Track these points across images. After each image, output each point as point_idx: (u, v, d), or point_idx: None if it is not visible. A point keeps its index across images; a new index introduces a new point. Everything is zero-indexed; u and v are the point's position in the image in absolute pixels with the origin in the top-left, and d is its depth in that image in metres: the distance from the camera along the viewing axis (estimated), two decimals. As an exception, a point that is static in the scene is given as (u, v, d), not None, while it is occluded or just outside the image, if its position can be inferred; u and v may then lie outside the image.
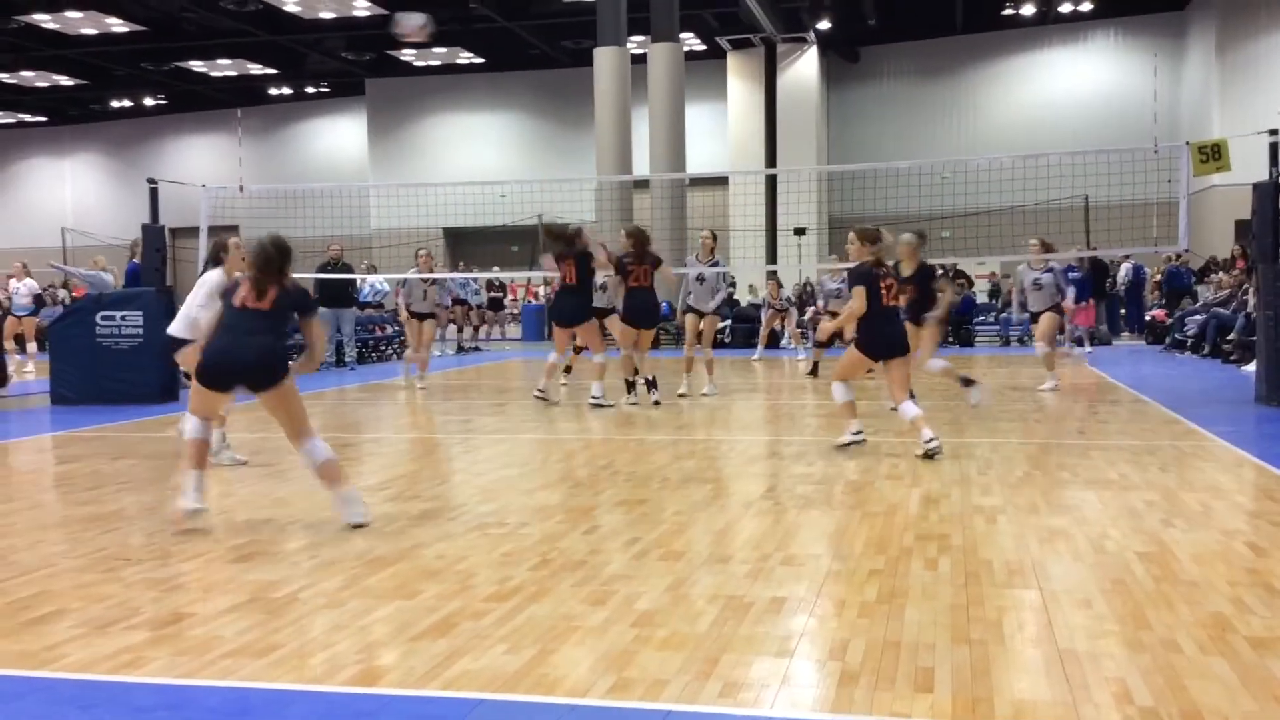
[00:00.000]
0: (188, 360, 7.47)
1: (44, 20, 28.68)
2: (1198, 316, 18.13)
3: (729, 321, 22.53)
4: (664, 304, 20.91)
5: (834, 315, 14.27)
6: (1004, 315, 22.95)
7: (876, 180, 24.16)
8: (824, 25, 30.29)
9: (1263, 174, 11.07)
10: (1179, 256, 21.68)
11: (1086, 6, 29.99)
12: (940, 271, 15.49)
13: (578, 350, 14.26)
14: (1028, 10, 29.95)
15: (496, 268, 29.37)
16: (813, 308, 21.24)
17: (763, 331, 19.76)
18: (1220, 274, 19.80)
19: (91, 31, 29.90)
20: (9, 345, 18.24)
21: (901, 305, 9.27)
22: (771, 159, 31.36)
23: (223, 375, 6.02)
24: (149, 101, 39.55)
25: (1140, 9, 30.20)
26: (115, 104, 39.87)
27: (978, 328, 23.12)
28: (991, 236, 20.49)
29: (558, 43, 32.24)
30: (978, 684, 3.46)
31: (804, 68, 31.66)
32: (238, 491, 7.07)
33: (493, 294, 26.96)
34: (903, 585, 4.57)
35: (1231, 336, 15.92)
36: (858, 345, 8.31)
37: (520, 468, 8.07)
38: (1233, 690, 3.38)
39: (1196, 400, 11.40)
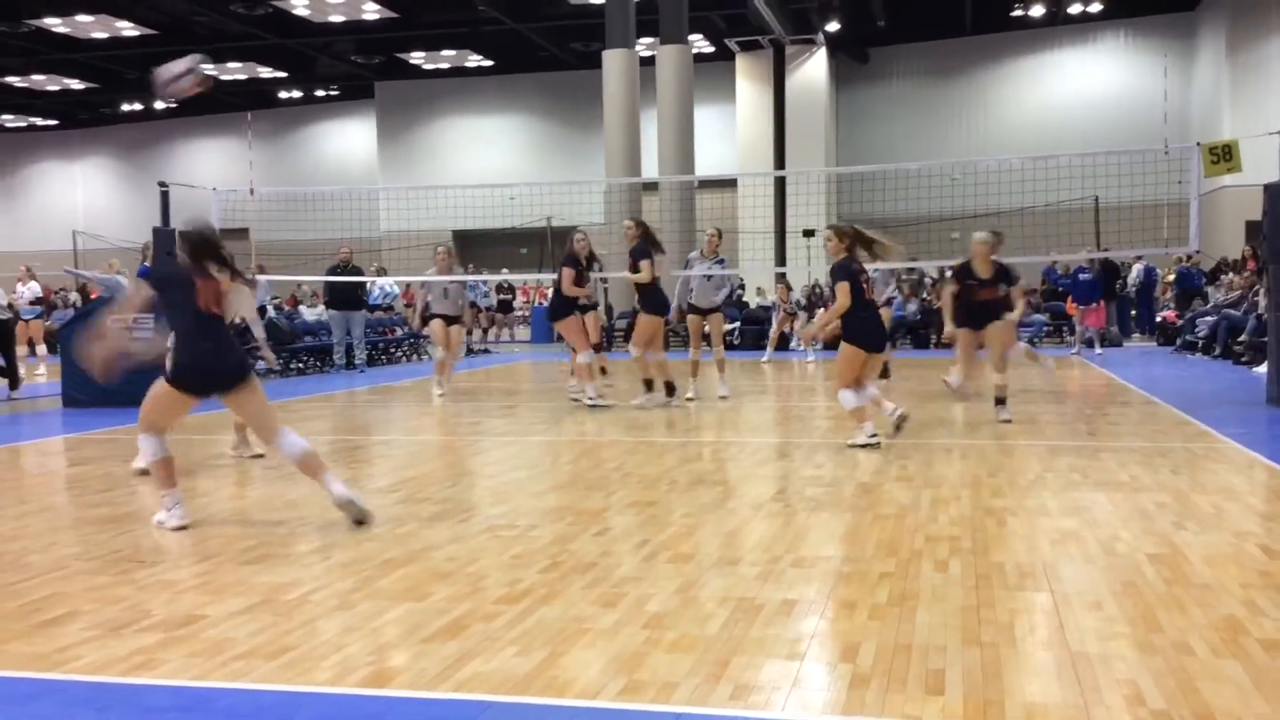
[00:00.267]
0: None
1: (55, 24, 28.80)
2: (1209, 318, 18.07)
3: (737, 324, 22.51)
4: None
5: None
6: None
7: (886, 182, 24.10)
8: (833, 26, 30.26)
9: (1274, 175, 11.04)
10: (1190, 258, 21.60)
11: (1096, 7, 29.92)
12: (950, 273, 15.47)
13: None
14: (1037, 11, 29.88)
15: (505, 270, 29.41)
16: (822, 309, 21.21)
17: (772, 333, 19.75)
18: (1231, 275, 19.74)
19: (102, 35, 30.01)
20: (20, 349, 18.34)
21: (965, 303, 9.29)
22: (780, 161, 31.34)
23: (206, 381, 6.04)
24: (159, 105, 39.67)
25: (1150, 10, 30.12)
26: (126, 107, 40.00)
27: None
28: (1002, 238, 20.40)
29: (566, 45, 32.26)
30: (989, 686, 3.45)
31: (813, 69, 31.63)
32: (249, 494, 7.09)
33: (501, 296, 27.01)
34: (913, 587, 4.56)
35: (1243, 338, 15.87)
36: (850, 342, 8.51)
37: (530, 470, 8.07)
38: (1245, 693, 3.37)
39: (1208, 402, 11.37)
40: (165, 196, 13.53)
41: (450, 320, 13.67)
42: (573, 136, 35.31)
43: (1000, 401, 9.99)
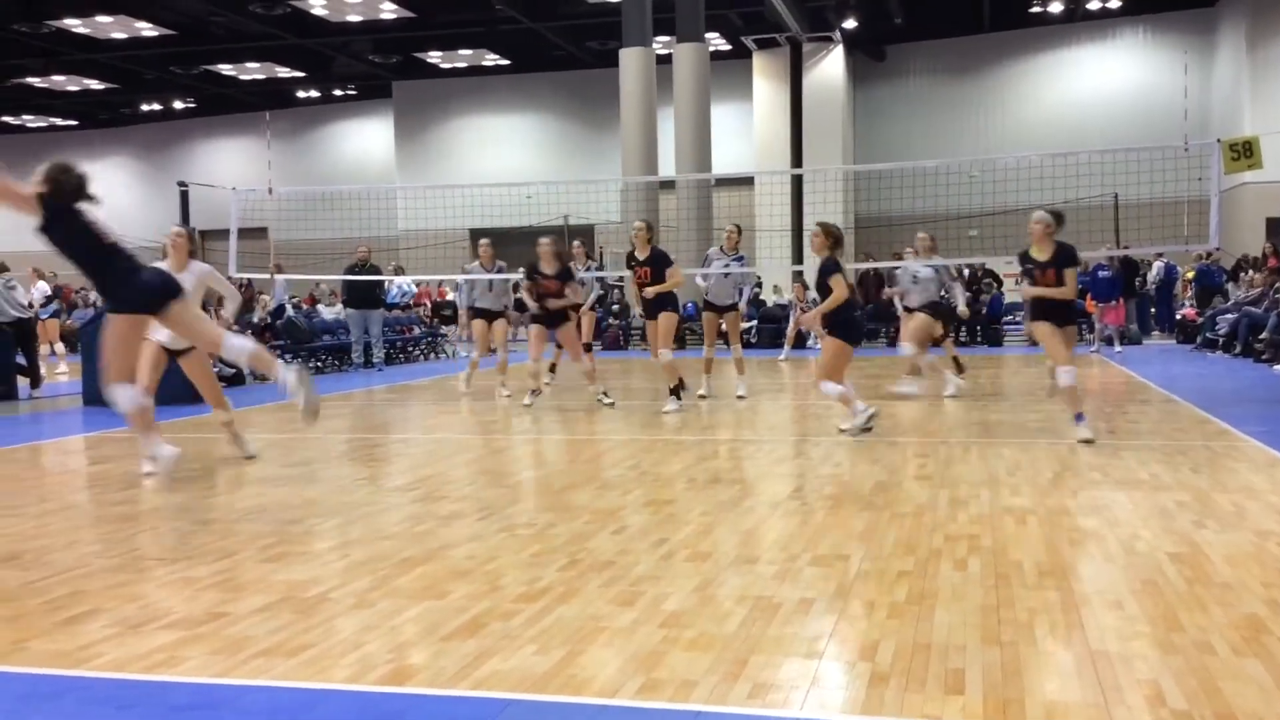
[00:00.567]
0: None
1: (75, 25, 28.96)
2: (1229, 315, 17.96)
3: (755, 322, 22.49)
4: (689, 304, 20.95)
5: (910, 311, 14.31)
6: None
7: (903, 179, 24.06)
8: (850, 24, 30.18)
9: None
10: (1210, 255, 21.48)
11: (1115, 3, 29.73)
12: (966, 272, 15.44)
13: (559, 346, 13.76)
14: (1055, 8, 29.71)
15: (521, 269, 29.43)
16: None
17: (790, 331, 19.71)
18: (1252, 272, 19.61)
19: (121, 36, 30.16)
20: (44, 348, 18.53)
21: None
22: (797, 159, 31.27)
23: (147, 293, 6.18)
24: (179, 105, 39.87)
25: (1169, 5, 29.91)
26: (145, 107, 40.20)
27: (1006, 328, 22.98)
28: (1020, 236, 20.29)
29: (583, 44, 32.26)
30: (1009, 685, 3.44)
31: (830, 67, 31.55)
32: (269, 492, 7.12)
33: (518, 295, 27.01)
34: (932, 586, 4.55)
35: (1263, 335, 15.77)
36: (838, 336, 8.81)
37: (548, 468, 8.08)
38: (1268, 693, 3.35)
39: (1228, 400, 11.30)
40: (185, 196, 13.67)
41: (493, 315, 13.58)
42: (590, 135, 35.32)
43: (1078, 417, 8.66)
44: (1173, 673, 3.51)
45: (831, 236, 8.99)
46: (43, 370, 15.34)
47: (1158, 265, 23.31)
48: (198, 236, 14.11)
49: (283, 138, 37.34)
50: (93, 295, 28.62)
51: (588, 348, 13.99)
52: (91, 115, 41.28)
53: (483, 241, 13.85)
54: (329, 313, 20.55)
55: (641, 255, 11.25)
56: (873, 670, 3.59)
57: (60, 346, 19.83)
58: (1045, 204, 10.44)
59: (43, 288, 20.85)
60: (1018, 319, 23.66)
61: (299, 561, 5.21)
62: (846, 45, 31.46)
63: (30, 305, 15.51)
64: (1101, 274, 19.14)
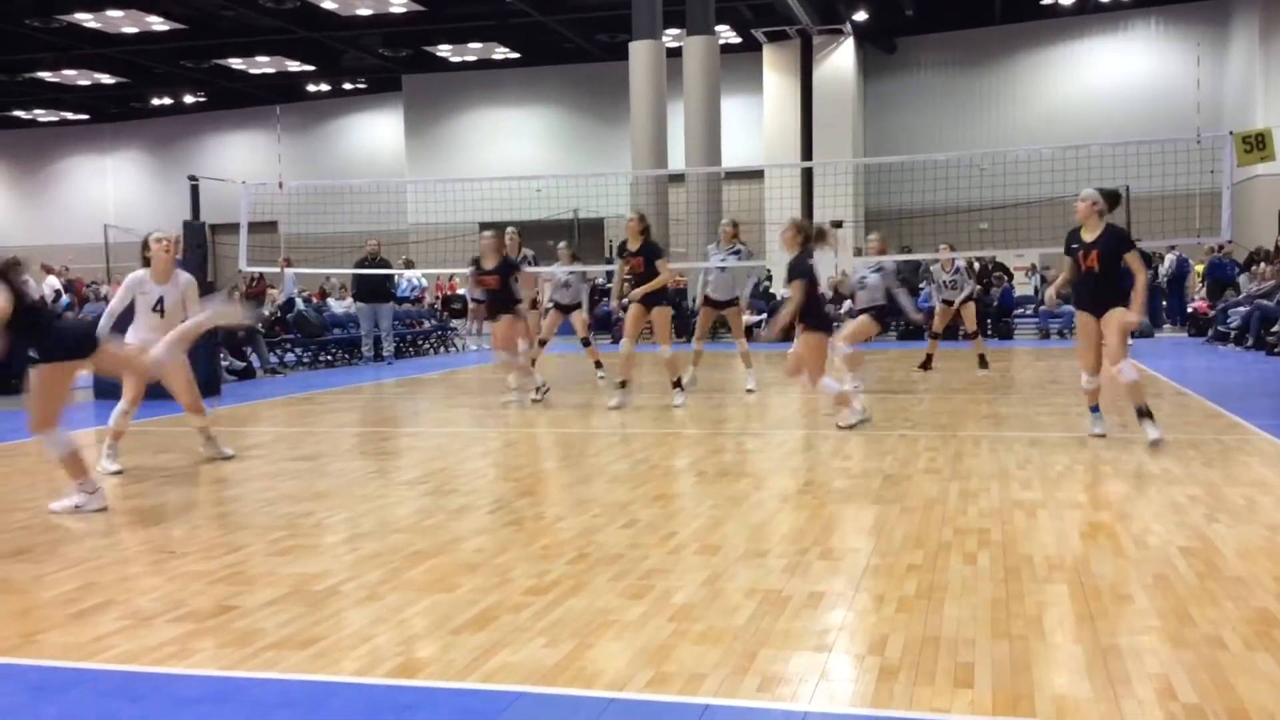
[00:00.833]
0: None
1: (85, 19, 29.04)
2: (1241, 308, 17.89)
3: (764, 315, 22.45)
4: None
5: (948, 304, 14.43)
6: (1043, 308, 22.74)
7: (914, 172, 23.99)
8: (860, 16, 30.10)
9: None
10: (1222, 248, 21.40)
11: (1127, -5, 29.65)
12: (977, 265, 15.43)
13: (542, 343, 13.58)
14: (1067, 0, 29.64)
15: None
16: (849, 300, 21.11)
17: (799, 325, 19.65)
18: (1264, 265, 19.53)
19: (132, 30, 30.22)
20: None
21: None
22: (808, 152, 31.21)
23: (79, 341, 6.38)
24: (189, 99, 39.95)
25: (1181, -3, 29.82)
26: (156, 101, 40.31)
27: (1017, 321, 22.92)
28: (1031, 229, 20.30)
29: (593, 37, 32.24)
30: (1018, 679, 3.43)
31: (840, 59, 31.47)
32: (279, 486, 7.14)
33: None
34: (942, 580, 4.54)
35: (1275, 328, 15.71)
36: (815, 330, 8.98)
37: (557, 462, 8.09)
38: (1279, 687, 3.33)
39: (1240, 393, 11.26)
40: (195, 190, 13.68)
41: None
42: (599, 128, 35.30)
43: (1144, 414, 7.96)
44: (1184, 667, 3.50)
45: (803, 233, 8.99)
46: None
47: (1169, 258, 23.23)
48: (208, 231, 14.14)
49: (293, 131, 37.40)
50: (104, 289, 28.72)
51: (585, 342, 13.89)
52: (102, 109, 41.40)
53: (509, 230, 13.50)
54: (339, 306, 20.58)
55: (633, 246, 11.16)
56: (882, 664, 3.59)
57: None
58: (1057, 196, 10.39)
59: (53, 283, 20.94)
60: (1028, 313, 23.62)
61: (309, 555, 5.22)
62: (857, 38, 31.38)
63: (42, 300, 15.56)
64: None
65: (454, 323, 23.92)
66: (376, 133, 39.54)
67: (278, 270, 19.67)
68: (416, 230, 32.72)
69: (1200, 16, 29.73)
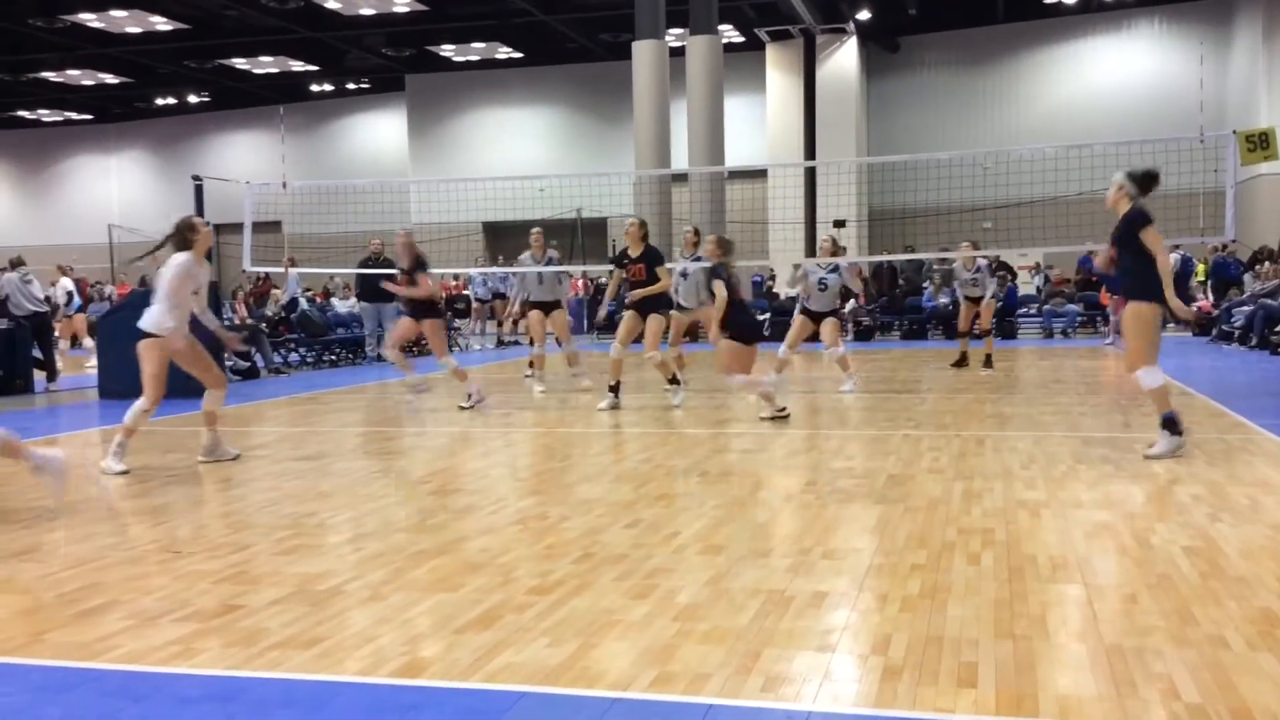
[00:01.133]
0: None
1: (89, 19, 29.08)
2: (1245, 307, 17.88)
3: (767, 314, 22.45)
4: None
5: (971, 300, 14.93)
6: (1047, 307, 22.74)
7: (917, 171, 23.95)
8: (863, 15, 30.10)
9: (1312, 163, 10.88)
10: (1226, 247, 21.37)
11: (1130, -6, 29.63)
12: (987, 262, 15.51)
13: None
14: (1070, -2, 29.65)
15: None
16: (854, 300, 21.12)
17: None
18: (1268, 264, 19.50)
19: (136, 30, 30.27)
20: (63, 343, 18.69)
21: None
22: (811, 151, 31.20)
23: None
24: (193, 99, 40.01)
25: (1185, -4, 29.79)
26: (159, 101, 40.37)
27: (1020, 320, 22.90)
28: (1034, 228, 20.29)
29: (596, 36, 32.24)
30: (1022, 679, 3.43)
31: (843, 59, 31.46)
32: (283, 485, 7.15)
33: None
34: (945, 580, 4.54)
35: (1279, 328, 15.68)
36: (733, 338, 9.52)
37: (561, 461, 8.09)
38: (1282, 687, 3.33)
39: (1244, 392, 11.25)
40: (199, 190, 13.68)
41: (549, 307, 13.13)
42: (602, 128, 35.31)
43: (1164, 424, 7.47)
44: (1187, 667, 3.50)
45: (722, 246, 9.82)
46: (61, 364, 15.43)
47: (1175, 257, 23.18)
48: (212, 229, 14.14)
49: (296, 131, 37.44)
50: (108, 289, 28.79)
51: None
52: (106, 109, 41.45)
53: (534, 230, 13.39)
54: (342, 306, 20.59)
55: (634, 253, 11.21)
56: (885, 664, 3.59)
57: (89, 341, 19.96)
58: (1061, 196, 10.35)
59: (66, 284, 20.95)
60: (1032, 312, 23.60)
61: (313, 554, 5.23)
62: (860, 37, 31.36)
63: (47, 300, 15.58)
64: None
65: (457, 323, 23.92)
66: (380, 132, 39.57)
67: (282, 270, 19.71)
68: (420, 230, 32.66)
69: (1203, 15, 29.69)
